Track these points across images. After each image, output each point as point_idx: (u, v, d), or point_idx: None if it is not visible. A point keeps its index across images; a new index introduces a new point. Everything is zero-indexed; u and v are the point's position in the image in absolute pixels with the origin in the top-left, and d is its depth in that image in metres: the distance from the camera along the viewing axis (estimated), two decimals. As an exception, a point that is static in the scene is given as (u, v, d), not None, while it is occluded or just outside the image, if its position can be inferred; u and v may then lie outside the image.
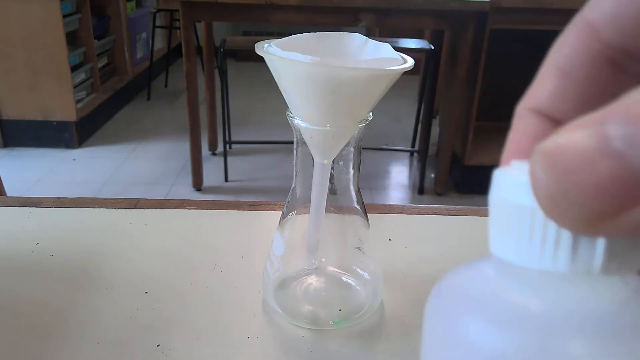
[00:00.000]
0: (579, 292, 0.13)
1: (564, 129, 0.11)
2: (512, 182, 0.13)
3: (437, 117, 2.59)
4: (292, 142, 0.32)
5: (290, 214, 0.34)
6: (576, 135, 0.10)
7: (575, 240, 0.12)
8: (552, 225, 0.12)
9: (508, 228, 0.13)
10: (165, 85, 3.33)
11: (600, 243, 0.12)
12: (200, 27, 2.30)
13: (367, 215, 0.34)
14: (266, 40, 0.28)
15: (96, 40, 2.66)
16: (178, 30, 3.24)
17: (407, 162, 2.40)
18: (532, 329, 0.13)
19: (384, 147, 2.37)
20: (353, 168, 0.32)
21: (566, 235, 0.12)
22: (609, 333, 0.12)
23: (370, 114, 0.30)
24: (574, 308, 0.13)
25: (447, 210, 0.47)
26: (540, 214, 0.12)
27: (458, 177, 2.10)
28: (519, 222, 0.13)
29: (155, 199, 0.48)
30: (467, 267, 0.15)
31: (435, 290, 0.15)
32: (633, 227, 0.11)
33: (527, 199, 0.12)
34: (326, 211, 0.32)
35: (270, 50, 0.27)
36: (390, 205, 0.49)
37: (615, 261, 0.12)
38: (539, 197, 0.12)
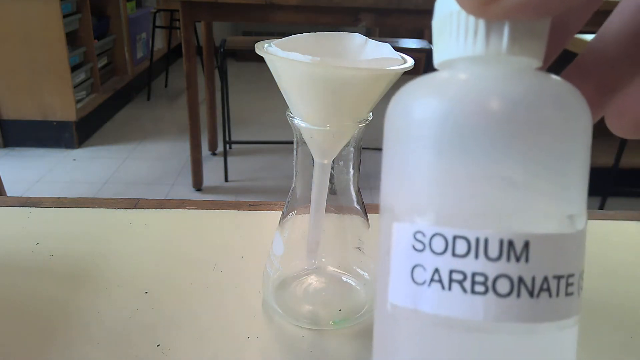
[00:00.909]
0: (493, 70, 0.17)
1: None
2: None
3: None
4: (292, 142, 0.32)
5: (290, 214, 0.34)
6: None
7: (488, 29, 0.16)
8: (471, 20, 0.16)
9: (441, 33, 0.18)
10: (165, 85, 3.33)
11: (505, 30, 0.16)
12: (200, 27, 2.30)
13: (367, 215, 0.34)
14: (266, 40, 0.28)
15: (96, 40, 2.66)
16: (178, 30, 3.24)
17: (407, 162, 2.39)
18: (459, 92, 0.16)
19: (384, 147, 2.37)
20: (353, 168, 0.32)
21: (481, 26, 0.16)
22: (513, 96, 0.16)
23: (370, 114, 0.30)
24: (489, 79, 0.16)
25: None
26: (462, 13, 0.16)
27: (458, 177, 2.09)
28: (449, 24, 0.17)
29: (155, 199, 0.48)
30: (411, 82, 0.18)
31: (390, 101, 0.19)
32: (511, 9, 0.15)
33: (452, 5, 0.16)
34: (326, 211, 0.32)
35: (270, 50, 0.27)
36: (390, 205, 0.48)
37: (517, 44, 0.16)
38: None
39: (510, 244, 0.16)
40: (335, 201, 0.33)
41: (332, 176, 0.32)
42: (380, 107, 0.31)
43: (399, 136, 0.18)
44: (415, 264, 0.17)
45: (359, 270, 0.36)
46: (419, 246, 0.17)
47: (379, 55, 0.29)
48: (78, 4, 2.48)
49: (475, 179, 0.16)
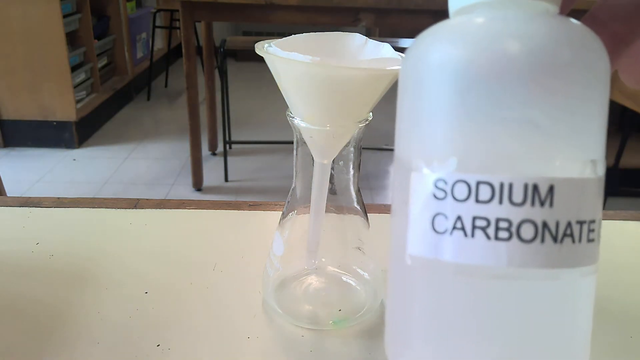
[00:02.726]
0: (512, 13, 0.16)
1: None
2: None
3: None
4: (292, 142, 0.32)
5: (290, 214, 0.34)
6: None
7: None
8: None
9: None
10: (165, 85, 3.33)
11: None
12: (200, 27, 2.30)
13: (367, 215, 0.34)
14: (266, 40, 0.28)
15: (96, 40, 2.66)
16: (178, 30, 3.24)
17: (407, 162, 2.39)
18: (479, 36, 0.16)
19: (384, 147, 2.37)
20: (353, 168, 0.32)
21: None
22: (534, 39, 0.16)
23: (370, 114, 0.30)
24: (510, 22, 0.16)
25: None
26: None
27: (458, 177, 2.09)
28: None
29: (155, 199, 0.48)
30: (429, 29, 0.18)
31: (407, 50, 0.18)
32: None
33: None
34: (326, 211, 0.32)
35: (270, 50, 0.27)
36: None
37: None
38: None
39: (535, 188, 0.16)
40: (335, 201, 0.33)
41: (332, 176, 0.32)
42: (380, 107, 0.31)
43: (418, 83, 0.17)
44: (436, 213, 0.17)
45: (359, 270, 0.36)
46: (441, 194, 0.16)
47: (379, 55, 0.29)
48: (78, 4, 2.48)
49: (498, 122, 0.16)
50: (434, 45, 0.17)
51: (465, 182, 0.16)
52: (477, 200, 0.16)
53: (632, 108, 1.49)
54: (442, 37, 0.17)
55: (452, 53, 0.16)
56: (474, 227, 0.16)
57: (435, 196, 0.17)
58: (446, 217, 0.16)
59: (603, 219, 0.49)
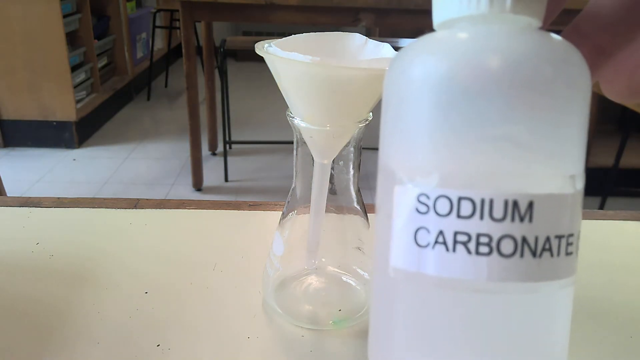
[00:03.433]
0: (496, 27, 0.17)
1: None
2: None
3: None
4: (292, 142, 0.32)
5: (290, 214, 0.34)
6: None
7: None
8: None
9: None
10: (165, 85, 3.33)
11: None
12: (200, 27, 2.30)
13: (367, 215, 0.34)
14: (266, 40, 0.28)
15: (96, 40, 2.66)
16: (178, 30, 3.24)
17: (407, 162, 2.39)
18: (462, 51, 0.16)
19: (384, 147, 2.37)
20: (353, 168, 0.32)
21: None
22: (516, 54, 0.16)
23: (370, 114, 0.30)
24: (491, 37, 0.16)
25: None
26: None
27: (458, 177, 2.09)
28: None
29: (155, 199, 0.48)
30: (412, 42, 0.18)
31: (391, 62, 0.19)
32: None
33: None
34: (326, 211, 0.32)
35: (270, 50, 0.27)
36: (390, 205, 0.48)
37: (521, 2, 0.16)
38: None
39: (515, 204, 0.16)
40: (335, 201, 0.33)
41: (332, 176, 0.32)
42: (380, 107, 0.31)
43: (400, 97, 0.17)
44: (418, 227, 0.17)
45: (359, 270, 0.36)
46: (423, 209, 0.17)
47: (379, 55, 0.29)
48: (78, 4, 2.48)
49: (479, 139, 0.16)
50: (417, 59, 0.17)
51: (448, 197, 0.16)
52: (459, 216, 0.16)
53: (632, 108, 1.49)
54: (424, 51, 0.17)
55: (434, 67, 0.16)
56: (455, 241, 0.16)
57: (417, 210, 0.17)
58: (428, 231, 0.17)
59: (603, 219, 0.49)
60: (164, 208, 0.46)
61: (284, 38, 0.28)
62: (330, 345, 0.31)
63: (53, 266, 0.38)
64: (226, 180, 2.12)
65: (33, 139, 2.36)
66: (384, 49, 0.29)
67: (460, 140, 0.16)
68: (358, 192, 0.33)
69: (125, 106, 2.96)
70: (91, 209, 0.46)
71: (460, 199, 0.16)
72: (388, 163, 0.18)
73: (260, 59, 0.27)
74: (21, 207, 0.46)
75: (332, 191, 0.32)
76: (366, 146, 0.33)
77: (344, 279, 0.36)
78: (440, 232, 0.16)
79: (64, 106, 2.33)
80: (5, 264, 0.38)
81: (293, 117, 0.29)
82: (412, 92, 0.17)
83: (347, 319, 0.33)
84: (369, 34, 2.70)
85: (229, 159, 2.15)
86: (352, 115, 0.29)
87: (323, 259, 0.36)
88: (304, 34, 0.29)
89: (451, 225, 0.16)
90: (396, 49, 0.29)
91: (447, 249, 0.16)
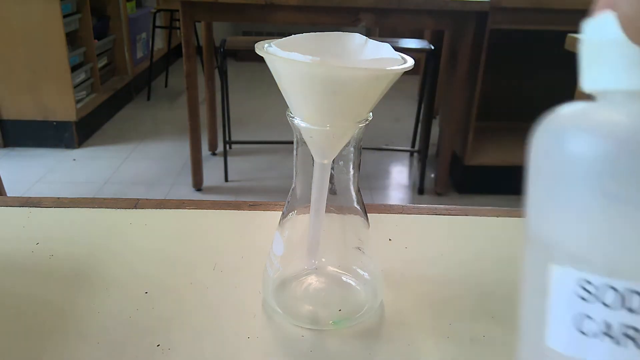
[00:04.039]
0: None
1: None
2: (601, 22, 0.16)
3: (437, 117, 2.59)
4: (292, 142, 0.32)
5: (290, 214, 0.34)
6: None
7: None
8: (636, 50, 0.15)
9: (595, 60, 0.16)
10: (165, 85, 3.33)
11: None
12: (200, 27, 2.29)
13: (367, 215, 0.34)
14: (266, 40, 0.28)
15: (96, 40, 2.66)
16: (178, 30, 3.24)
17: (407, 162, 2.40)
18: (623, 137, 0.15)
19: (384, 147, 2.37)
20: (353, 168, 0.32)
21: None
22: None
23: (370, 114, 0.30)
24: None
25: (447, 210, 0.47)
26: (625, 42, 0.15)
27: (458, 177, 2.10)
28: (607, 52, 0.16)
29: (155, 199, 0.48)
30: (563, 109, 0.17)
31: (539, 127, 0.17)
32: None
33: (614, 33, 0.15)
34: (326, 211, 0.32)
35: (270, 50, 0.27)
36: (390, 205, 0.49)
37: None
38: (623, 22, 0.15)
39: None
40: (335, 201, 0.33)
41: (332, 176, 0.32)
42: (380, 107, 0.31)
43: (559, 171, 0.16)
44: (581, 313, 0.16)
45: (359, 270, 0.36)
46: (586, 295, 0.16)
47: (379, 55, 0.29)
48: (78, 4, 2.48)
49: None
50: (579, 134, 0.16)
51: (616, 289, 0.15)
52: (630, 310, 0.15)
53: None
54: (585, 126, 0.16)
55: (602, 147, 0.15)
56: (624, 335, 0.15)
57: (579, 296, 0.16)
58: (593, 320, 0.16)
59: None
60: (164, 208, 0.46)
61: (284, 38, 0.28)
62: (330, 345, 0.31)
63: (53, 266, 0.38)
64: (226, 180, 2.12)
65: (33, 139, 2.36)
66: (384, 49, 0.29)
67: (631, 228, 0.15)
68: (358, 192, 0.33)
69: (125, 106, 2.96)
70: (91, 209, 0.46)
71: (630, 291, 0.15)
72: (542, 237, 0.17)
73: (260, 59, 0.27)
74: (21, 207, 0.46)
75: (332, 191, 0.32)
76: (366, 146, 0.33)
77: (344, 279, 0.36)
78: (607, 324, 0.15)
79: (64, 106, 2.33)
80: (5, 264, 0.38)
81: (293, 117, 0.29)
82: (574, 168, 0.16)
83: (347, 319, 0.33)
84: (369, 34, 2.70)
85: (229, 159, 2.15)
86: (352, 115, 0.29)
87: (323, 259, 0.36)
88: (304, 34, 0.29)
89: (619, 317, 0.15)
90: (396, 49, 0.29)
91: (617, 343, 0.15)
